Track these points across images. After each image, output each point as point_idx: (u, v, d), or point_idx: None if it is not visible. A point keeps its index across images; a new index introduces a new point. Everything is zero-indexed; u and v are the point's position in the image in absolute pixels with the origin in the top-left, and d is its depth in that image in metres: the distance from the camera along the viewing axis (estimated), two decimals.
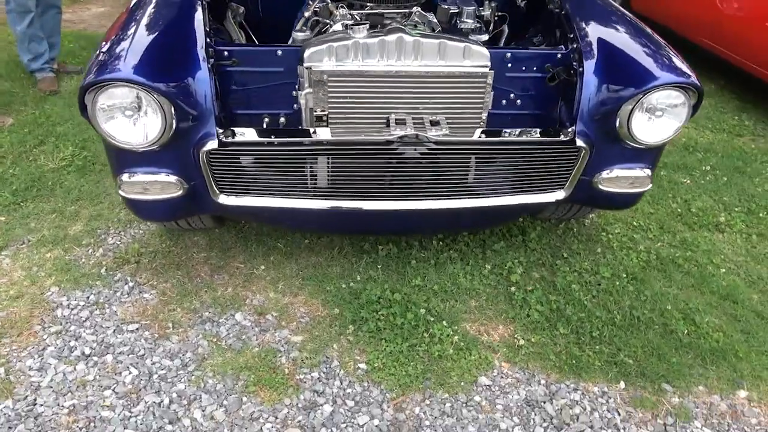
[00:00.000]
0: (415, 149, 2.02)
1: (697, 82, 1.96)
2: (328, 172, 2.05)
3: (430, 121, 2.03)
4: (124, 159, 1.98)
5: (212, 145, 1.92)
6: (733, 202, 3.08)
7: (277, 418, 1.89)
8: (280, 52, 2.09)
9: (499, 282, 2.45)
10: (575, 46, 2.16)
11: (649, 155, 2.16)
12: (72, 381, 1.99)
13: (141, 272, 2.49)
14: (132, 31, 1.93)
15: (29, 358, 2.07)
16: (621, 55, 2.08)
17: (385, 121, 2.06)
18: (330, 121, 2.03)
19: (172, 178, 2.01)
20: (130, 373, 2.03)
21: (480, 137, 2.04)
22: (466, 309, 2.32)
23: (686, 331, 2.23)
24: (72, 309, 2.29)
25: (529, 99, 2.27)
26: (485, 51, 2.02)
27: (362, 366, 2.08)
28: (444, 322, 2.21)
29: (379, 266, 2.50)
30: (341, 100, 2.01)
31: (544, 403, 1.96)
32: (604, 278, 2.47)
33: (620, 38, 2.19)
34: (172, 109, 1.83)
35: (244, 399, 1.95)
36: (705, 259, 2.64)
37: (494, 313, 2.31)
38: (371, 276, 2.45)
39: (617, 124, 2.03)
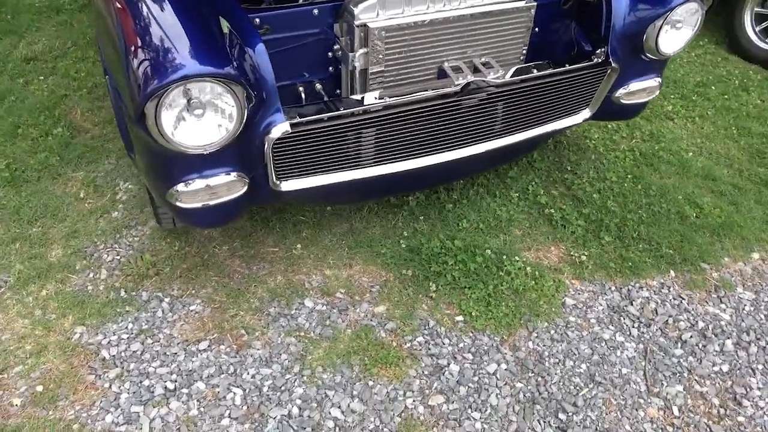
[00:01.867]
0: (474, 95, 1.98)
1: None
2: (393, 134, 1.94)
3: (482, 64, 2.00)
4: (180, 167, 1.69)
5: (283, 129, 1.70)
6: (667, 91, 3.47)
7: (413, 391, 1.88)
8: (316, 11, 1.86)
9: (531, 206, 2.57)
10: None
11: (660, 64, 2.33)
12: (176, 422, 1.77)
13: (168, 284, 2.20)
14: (159, 21, 1.56)
15: (106, 413, 1.79)
16: None
17: (435, 71, 1.99)
18: (384, 79, 1.90)
19: (234, 175, 1.76)
20: (235, 394, 1.85)
21: (534, 72, 2.05)
22: (517, 239, 2.41)
23: (695, 215, 2.56)
24: (118, 346, 1.98)
25: (545, 26, 2.30)
26: None
27: (459, 318, 2.10)
28: (507, 257, 2.29)
29: (420, 218, 2.47)
30: (396, 55, 1.88)
31: (626, 306, 2.17)
32: (612, 182, 2.70)
33: None
34: (245, 94, 1.57)
35: (371, 383, 1.89)
36: (675, 146, 2.98)
37: (543, 237, 2.43)
38: (417, 229, 2.42)
39: (644, 40, 2.15)
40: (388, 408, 1.82)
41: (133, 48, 1.51)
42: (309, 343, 2.01)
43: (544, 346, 2.02)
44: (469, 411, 1.82)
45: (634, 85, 2.31)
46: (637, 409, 1.85)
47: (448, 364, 1.95)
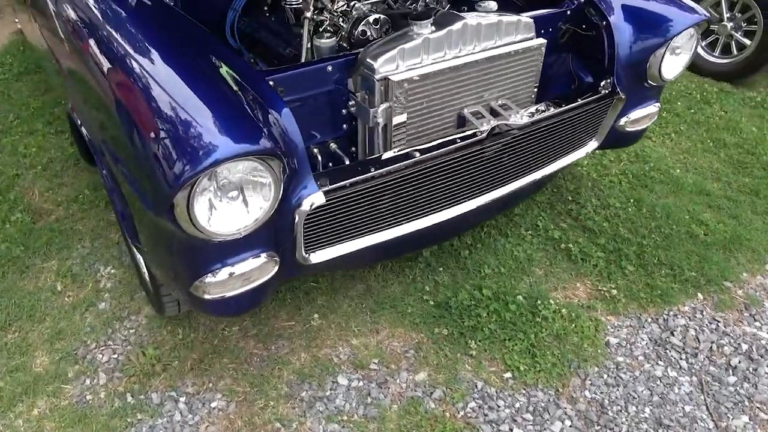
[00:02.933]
0: (498, 139, 1.89)
1: (708, 15, 2.16)
2: (427, 187, 1.82)
3: (500, 106, 1.92)
4: (208, 256, 1.49)
5: (316, 200, 1.54)
6: None
7: None
8: (330, 68, 1.73)
9: (545, 243, 2.49)
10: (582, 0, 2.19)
11: (659, 90, 2.34)
12: None
13: (180, 379, 1.95)
14: (174, 96, 1.36)
15: None
16: (641, 3, 2.17)
17: (454, 118, 1.89)
18: (407, 131, 1.79)
19: (264, 256, 1.57)
20: None
21: (550, 110, 1.99)
22: (541, 279, 2.32)
23: (704, 232, 2.57)
24: None
25: (544, 61, 2.26)
26: (531, 21, 1.94)
27: (507, 375, 1.97)
28: (539, 301, 2.19)
29: (439, 269, 2.34)
30: (418, 106, 1.77)
31: (667, 338, 2.11)
32: (617, 208, 2.67)
33: None
34: (281, 167, 1.40)
35: None
36: (662, 165, 3.02)
37: (566, 274, 2.35)
38: (438, 282, 2.29)
39: (648, 68, 2.15)
40: None
41: (150, 132, 1.31)
42: (354, 427, 1.81)
43: (601, 393, 1.92)
44: None
45: (638, 113, 2.30)
46: None
47: (511, 429, 1.81)
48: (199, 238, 1.39)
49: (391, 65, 1.70)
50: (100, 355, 2.04)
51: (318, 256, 1.72)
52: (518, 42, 1.92)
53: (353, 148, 1.90)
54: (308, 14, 1.94)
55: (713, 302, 2.26)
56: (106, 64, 1.50)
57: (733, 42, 3.86)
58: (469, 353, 2.04)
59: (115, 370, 1.99)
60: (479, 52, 1.84)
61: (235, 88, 1.44)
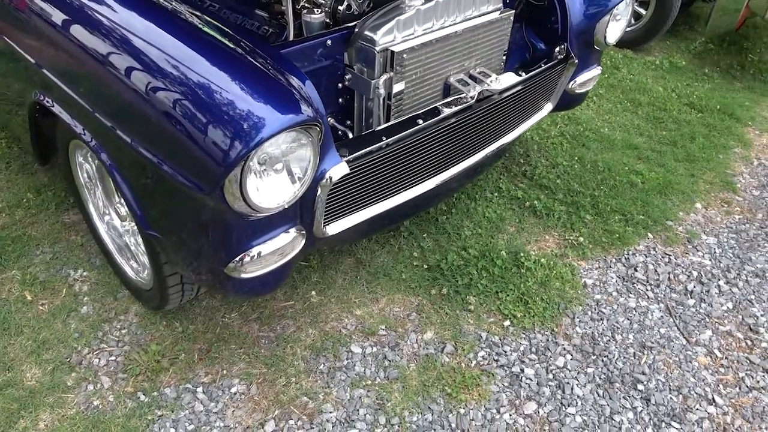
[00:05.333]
0: (482, 103, 2.02)
1: None
2: (431, 150, 1.90)
3: (478, 73, 2.04)
4: (246, 234, 1.47)
5: (340, 170, 1.57)
6: None
7: (504, 405, 1.85)
8: (329, 42, 1.75)
9: (511, 202, 2.67)
10: None
11: (600, 54, 2.58)
12: None
13: (191, 371, 1.91)
14: (208, 73, 1.34)
15: None
16: None
17: (441, 87, 1.99)
18: (403, 101, 1.86)
19: (293, 231, 1.59)
20: None
21: (523, 75, 2.14)
22: (514, 236, 2.50)
23: (641, 181, 2.87)
24: None
25: None
26: None
27: (507, 323, 2.12)
28: (520, 255, 2.36)
29: (423, 236, 2.43)
30: (413, 75, 1.85)
31: (632, 273, 2.37)
32: (565, 166, 2.91)
33: None
34: (320, 135, 1.42)
35: (462, 411, 1.83)
36: (592, 125, 3.31)
37: (535, 228, 2.55)
38: (423, 248, 2.39)
39: (595, 34, 2.36)
40: (491, 430, 1.78)
41: (194, 113, 1.28)
42: (380, 389, 1.88)
43: (590, 328, 2.13)
44: (564, 408, 1.85)
45: (584, 76, 2.52)
46: (690, 362, 2.03)
47: (522, 370, 1.96)
48: (244, 215, 1.38)
49: (389, 36, 1.76)
50: (97, 360, 1.93)
51: (333, 228, 1.75)
52: (491, 12, 2.04)
53: (348, 122, 1.94)
54: None
55: (662, 240, 2.56)
56: (126, 53, 1.42)
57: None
58: (467, 308, 2.16)
59: (117, 371, 1.90)
60: (461, 22, 1.94)
61: (263, 61, 1.44)
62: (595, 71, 2.55)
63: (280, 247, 1.54)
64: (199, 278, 1.68)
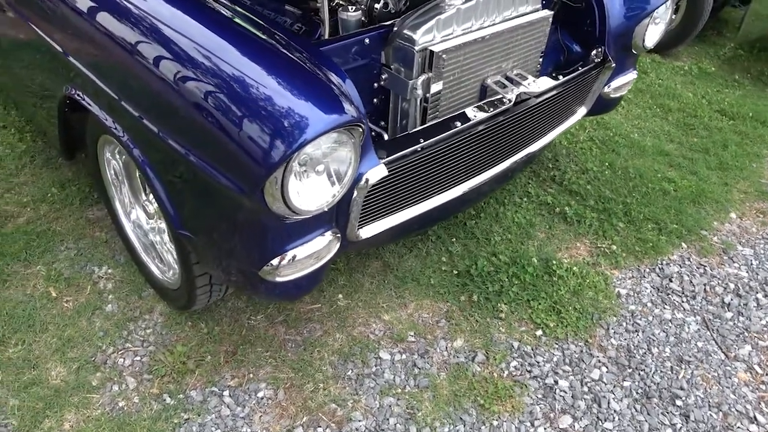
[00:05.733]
0: (520, 106, 1.97)
1: None
2: (468, 152, 1.85)
3: (516, 75, 1.99)
4: (283, 236, 1.43)
5: (378, 173, 1.52)
6: None
7: (539, 418, 1.80)
8: (367, 41, 1.71)
9: (540, 208, 2.61)
10: None
11: (636, 58, 2.51)
12: None
13: (218, 374, 1.87)
14: (250, 71, 1.30)
15: None
16: None
17: (477, 88, 1.94)
18: (440, 102, 1.81)
19: (329, 234, 1.54)
20: None
21: (560, 78, 2.08)
22: (545, 242, 2.44)
23: (673, 189, 2.80)
24: None
25: None
26: None
27: (539, 333, 2.06)
28: (552, 262, 2.31)
29: (452, 240, 2.38)
30: (451, 77, 1.80)
31: (667, 284, 2.30)
32: (595, 172, 2.85)
33: None
34: (362, 135, 1.37)
35: (495, 423, 1.77)
36: (622, 131, 3.24)
37: (565, 235, 2.49)
38: (452, 252, 2.34)
39: (633, 37, 2.30)
40: None
41: (237, 112, 1.24)
42: (410, 398, 1.83)
43: (625, 339, 2.07)
44: (601, 423, 1.79)
45: (620, 80, 2.45)
46: (729, 377, 1.96)
47: (556, 382, 1.91)
48: (282, 217, 1.34)
49: (429, 36, 1.71)
50: (121, 359, 1.90)
51: (367, 231, 1.71)
52: (530, 13, 1.99)
53: (382, 122, 1.89)
54: None
55: (696, 250, 2.49)
56: (164, 48, 1.38)
57: None
58: (498, 316, 2.11)
59: (143, 372, 1.87)
60: (499, 22, 1.89)
61: (305, 59, 1.40)
62: (630, 75, 2.49)
63: (316, 250, 1.49)
64: (231, 279, 1.64)
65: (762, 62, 4.23)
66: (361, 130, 1.33)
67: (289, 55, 1.38)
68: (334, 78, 1.43)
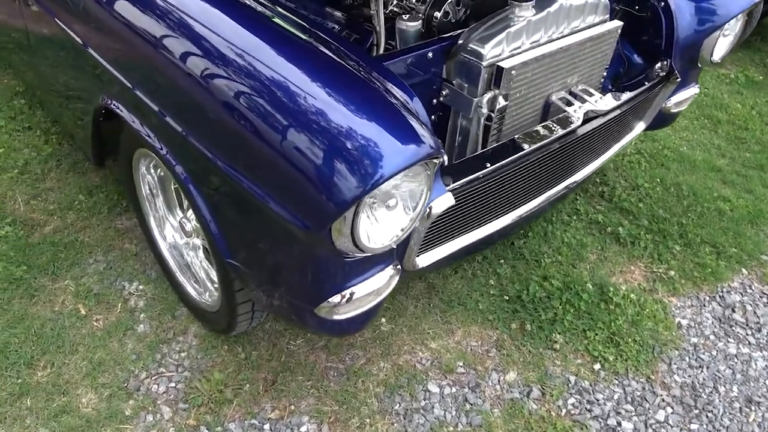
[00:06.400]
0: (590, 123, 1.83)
1: None
2: (531, 173, 1.73)
3: (580, 91, 1.85)
4: (342, 274, 1.31)
5: (444, 203, 1.39)
6: None
7: None
8: (430, 54, 1.57)
9: (591, 227, 2.47)
10: None
11: (699, 72, 2.36)
12: None
13: (257, 404, 1.76)
14: (319, 97, 1.17)
15: None
16: None
17: (541, 105, 1.80)
18: (504, 120, 1.68)
19: (390, 269, 1.42)
20: None
21: (627, 94, 1.94)
22: (597, 265, 2.30)
23: (729, 208, 2.65)
24: None
25: None
26: (608, 2, 1.87)
27: (597, 367, 1.93)
28: (607, 288, 2.17)
29: (500, 261, 2.25)
30: (517, 93, 1.67)
31: (730, 315, 2.16)
32: (646, 188, 2.70)
33: None
34: (436, 166, 1.24)
35: None
36: (670, 144, 3.09)
37: (618, 258, 2.35)
38: (500, 275, 2.21)
39: (701, 50, 2.15)
40: None
41: (305, 139, 1.11)
42: None
43: (689, 376, 1.93)
44: None
45: (682, 94, 2.31)
46: None
47: (619, 423, 1.78)
48: (344, 253, 1.21)
49: (498, 50, 1.57)
50: (155, 386, 1.79)
51: (424, 260, 1.59)
52: (598, 24, 1.85)
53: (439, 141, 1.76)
54: None
55: (758, 276, 2.34)
56: (224, 67, 1.24)
57: None
58: (552, 347, 1.98)
59: (178, 401, 1.76)
60: (568, 34, 1.75)
61: (372, 78, 1.27)
62: (692, 90, 2.34)
63: (377, 288, 1.37)
64: (277, 310, 1.52)
65: None
66: (436, 161, 1.20)
67: (359, 74, 1.25)
68: (402, 97, 1.30)
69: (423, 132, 1.17)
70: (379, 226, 1.20)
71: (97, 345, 1.88)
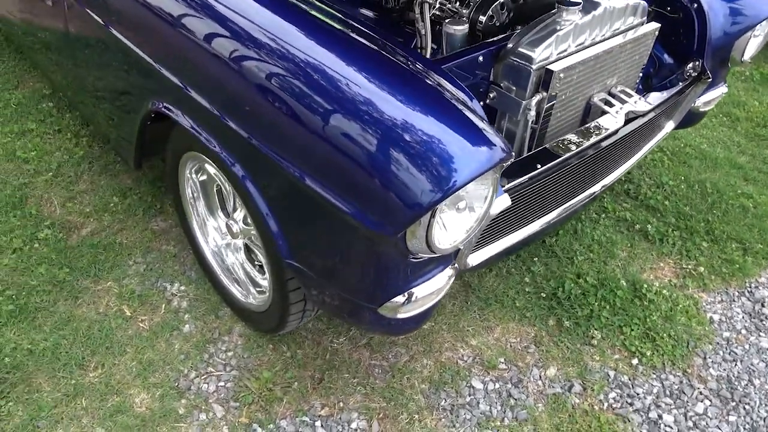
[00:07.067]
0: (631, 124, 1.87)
1: None
2: (571, 175, 1.77)
3: (620, 92, 1.89)
4: (409, 273, 1.35)
5: (502, 203, 1.42)
6: None
7: None
8: (481, 58, 1.61)
9: (619, 224, 2.51)
10: None
11: (727, 71, 2.40)
12: None
13: (306, 402, 1.79)
14: (394, 102, 1.20)
15: None
16: None
17: (583, 106, 1.84)
18: (550, 122, 1.72)
19: (449, 269, 1.45)
20: None
21: (664, 93, 1.98)
22: (627, 262, 2.34)
23: (753, 205, 2.69)
24: None
25: None
26: (645, 4, 1.91)
27: (635, 362, 1.98)
28: (642, 284, 2.21)
29: (534, 259, 2.29)
30: (563, 96, 1.70)
31: (759, 309, 2.21)
32: (672, 186, 2.74)
33: None
34: (503, 168, 1.27)
35: None
36: (692, 141, 3.13)
37: (648, 254, 2.39)
38: (534, 272, 2.25)
39: (732, 50, 2.19)
40: None
41: (377, 144, 1.14)
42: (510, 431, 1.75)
43: (724, 370, 1.98)
44: None
45: (712, 93, 2.34)
46: None
47: (659, 416, 1.82)
48: (413, 254, 1.25)
49: (546, 53, 1.61)
50: (205, 385, 1.82)
51: (474, 259, 1.62)
52: (636, 25, 1.88)
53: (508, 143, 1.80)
54: None
55: None
56: (294, 70, 1.27)
57: None
58: (590, 343, 2.02)
59: (229, 399, 1.79)
60: (610, 37, 1.79)
61: (437, 83, 1.30)
62: (721, 89, 2.38)
63: (438, 287, 1.41)
64: (332, 310, 1.55)
65: None
66: (504, 165, 1.24)
67: (427, 80, 1.28)
68: (464, 100, 1.33)
69: (494, 135, 1.20)
70: (449, 227, 1.23)
71: (145, 345, 1.91)
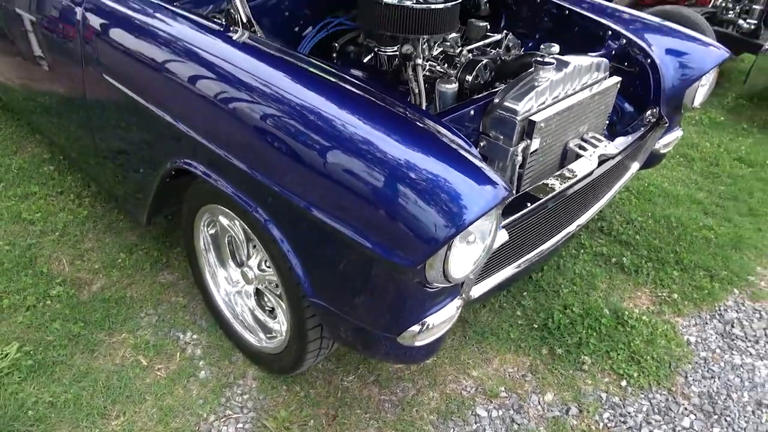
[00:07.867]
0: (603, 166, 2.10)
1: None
2: (554, 212, 1.97)
3: (591, 138, 2.13)
4: (425, 302, 1.50)
5: (501, 238, 1.62)
6: None
7: None
8: (472, 112, 1.82)
9: (597, 259, 2.72)
10: (623, 41, 2.48)
11: (681, 117, 2.69)
12: None
13: None
14: (397, 146, 1.39)
15: None
16: (677, 38, 2.49)
17: (560, 151, 2.06)
18: (533, 167, 1.93)
19: (458, 299, 1.61)
20: None
21: (629, 138, 2.22)
22: (607, 293, 2.54)
23: (714, 236, 2.95)
24: None
25: None
26: (607, 61, 2.17)
27: (623, 383, 2.14)
28: (623, 312, 2.40)
29: (524, 293, 2.46)
30: (545, 143, 1.92)
31: (730, 330, 2.41)
32: (640, 222, 2.98)
33: (655, 26, 2.58)
34: (505, 203, 1.46)
35: None
36: (653, 181, 3.41)
37: (625, 285, 2.59)
38: (525, 306, 2.41)
39: (684, 98, 2.47)
40: None
41: (398, 186, 1.32)
42: None
43: (704, 386, 2.15)
44: None
45: (669, 137, 2.62)
46: None
47: None
48: (428, 284, 1.41)
49: (528, 106, 1.83)
50: (225, 427, 1.90)
51: (477, 290, 1.79)
52: (601, 80, 2.14)
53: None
54: (419, 61, 2.02)
55: (748, 295, 2.61)
56: (307, 120, 1.46)
57: None
58: (581, 369, 2.18)
59: None
60: (579, 90, 2.04)
61: (442, 132, 1.50)
62: (677, 133, 2.66)
63: (449, 316, 1.56)
64: (347, 343, 1.68)
65: (764, 111, 4.51)
66: (506, 202, 1.42)
67: (430, 128, 1.48)
68: (467, 147, 1.52)
69: (495, 175, 1.40)
70: (460, 259, 1.40)
71: (164, 392, 1.99)
